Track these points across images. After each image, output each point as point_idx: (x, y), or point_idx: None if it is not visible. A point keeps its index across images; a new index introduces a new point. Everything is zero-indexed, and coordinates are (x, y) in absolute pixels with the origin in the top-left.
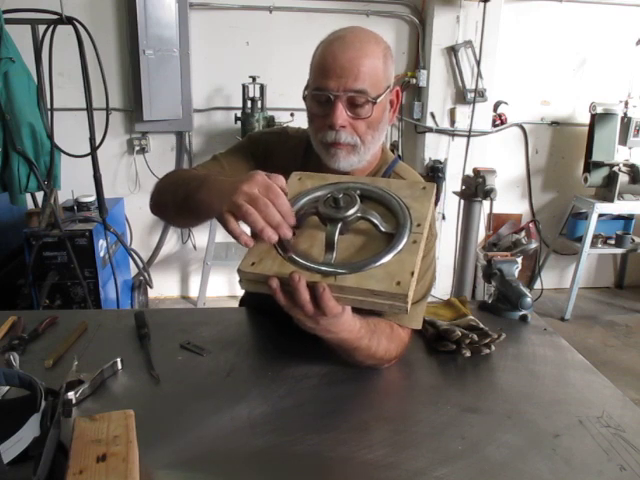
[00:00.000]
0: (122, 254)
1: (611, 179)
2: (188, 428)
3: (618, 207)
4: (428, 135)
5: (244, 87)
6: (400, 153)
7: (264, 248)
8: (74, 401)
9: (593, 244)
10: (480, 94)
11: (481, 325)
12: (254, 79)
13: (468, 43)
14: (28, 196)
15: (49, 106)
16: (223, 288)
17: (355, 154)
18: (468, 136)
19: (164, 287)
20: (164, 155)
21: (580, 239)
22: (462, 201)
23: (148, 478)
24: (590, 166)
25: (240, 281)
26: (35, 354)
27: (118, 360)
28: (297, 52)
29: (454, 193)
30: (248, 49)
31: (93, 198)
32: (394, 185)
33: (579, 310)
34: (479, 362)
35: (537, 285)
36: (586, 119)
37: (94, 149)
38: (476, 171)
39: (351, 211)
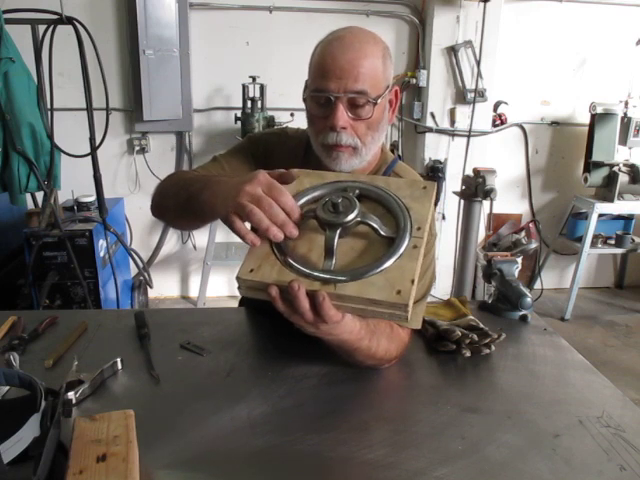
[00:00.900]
0: (122, 254)
1: (611, 179)
2: (188, 428)
3: (618, 207)
4: (428, 135)
5: (244, 87)
6: (400, 153)
7: (262, 253)
8: (74, 401)
9: (593, 244)
10: (480, 94)
11: (481, 325)
12: (254, 79)
13: (468, 43)
14: (28, 196)
15: (49, 106)
16: (223, 288)
17: (356, 156)
18: (468, 136)
19: (164, 287)
20: (164, 155)
21: (580, 239)
22: (462, 201)
23: (148, 478)
24: (590, 166)
25: (239, 288)
26: (35, 354)
27: (118, 360)
28: (297, 52)
29: (454, 193)
30: (248, 49)
31: (93, 198)
32: (393, 184)
33: (579, 310)
34: (479, 362)
35: (537, 285)
36: (586, 119)
37: (94, 149)
38: (476, 171)
39: (350, 216)
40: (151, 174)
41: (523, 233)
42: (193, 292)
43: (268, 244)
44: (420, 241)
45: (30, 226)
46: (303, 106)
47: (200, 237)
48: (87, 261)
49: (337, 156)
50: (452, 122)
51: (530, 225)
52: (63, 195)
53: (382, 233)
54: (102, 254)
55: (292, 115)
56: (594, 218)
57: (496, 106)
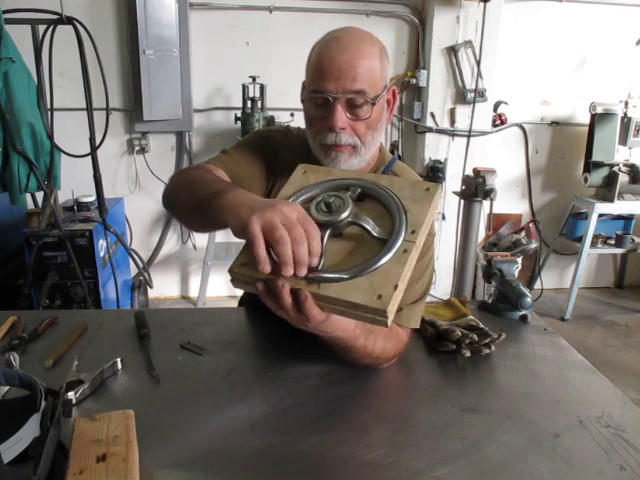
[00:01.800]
0: (122, 254)
1: (611, 179)
2: (188, 428)
3: (618, 207)
4: (428, 135)
5: (244, 87)
6: (400, 153)
7: None
8: (74, 401)
9: (593, 244)
10: (480, 94)
11: (481, 325)
12: (254, 79)
13: (468, 43)
14: (28, 196)
15: (49, 106)
16: (223, 288)
17: (356, 156)
18: (468, 136)
19: (164, 287)
20: (164, 155)
21: (580, 239)
22: (462, 201)
23: (148, 478)
24: (590, 166)
25: (232, 280)
26: (35, 354)
27: (118, 360)
28: (297, 52)
29: (454, 193)
30: (248, 49)
31: (93, 198)
32: (397, 184)
33: (579, 310)
34: (479, 362)
35: (537, 285)
36: (586, 119)
37: (94, 149)
38: (476, 171)
39: (342, 216)
40: (151, 174)
41: (523, 233)
42: (193, 292)
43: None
44: (411, 245)
45: (30, 226)
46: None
47: (200, 237)
48: (87, 261)
49: (336, 156)
50: (452, 122)
51: (530, 225)
52: (63, 195)
53: (374, 234)
54: (102, 254)
55: (292, 115)
56: (594, 218)
57: (496, 106)
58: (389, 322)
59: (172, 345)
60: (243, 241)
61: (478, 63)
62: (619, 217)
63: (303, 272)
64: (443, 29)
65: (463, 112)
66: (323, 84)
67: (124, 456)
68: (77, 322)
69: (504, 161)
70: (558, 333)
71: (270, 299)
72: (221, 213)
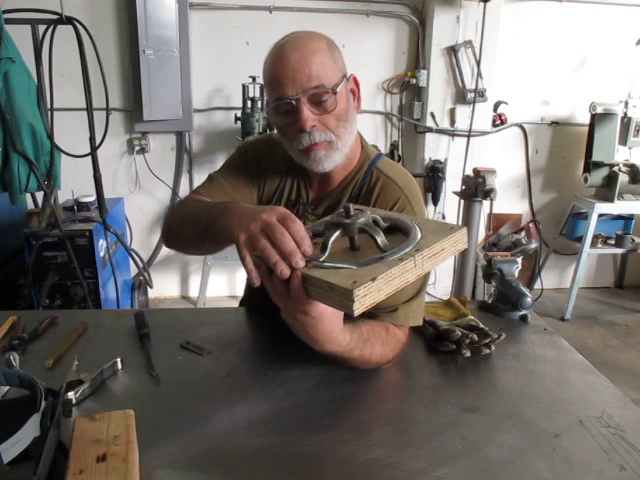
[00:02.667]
0: (122, 254)
1: (611, 179)
2: (188, 428)
3: (618, 207)
4: (428, 135)
5: (244, 87)
6: (400, 153)
7: None
8: (74, 401)
9: (593, 244)
10: (480, 94)
11: (481, 325)
12: (254, 79)
13: (468, 43)
14: (28, 196)
15: (49, 106)
16: (223, 288)
17: (334, 150)
18: (468, 136)
19: (164, 287)
20: (164, 155)
21: (580, 239)
22: (462, 201)
23: (148, 478)
24: (590, 166)
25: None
26: (35, 354)
27: (118, 360)
28: None
29: (454, 193)
30: (248, 49)
31: (93, 198)
32: (425, 222)
33: (579, 310)
34: (479, 362)
35: (537, 285)
36: (586, 119)
37: (94, 149)
38: (476, 171)
39: (354, 220)
40: (151, 174)
41: (523, 233)
42: (193, 292)
43: None
44: (409, 257)
45: (30, 226)
46: None
47: None
48: (87, 261)
49: (315, 155)
50: (452, 122)
51: (530, 225)
52: (63, 195)
53: (379, 244)
54: (102, 254)
55: None
56: (594, 218)
57: (496, 106)
58: (355, 308)
59: (172, 345)
60: None
61: (478, 63)
62: (619, 217)
63: (296, 259)
64: (443, 29)
65: (463, 112)
66: (282, 90)
67: (124, 456)
68: (77, 322)
69: (504, 161)
70: (558, 333)
71: (269, 279)
72: (223, 234)
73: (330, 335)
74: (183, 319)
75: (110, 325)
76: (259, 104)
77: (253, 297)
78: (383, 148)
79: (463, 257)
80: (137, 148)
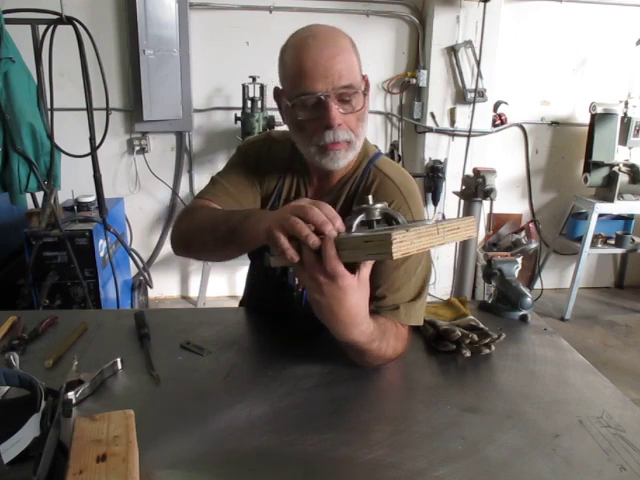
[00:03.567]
0: (122, 254)
1: (611, 179)
2: (188, 428)
3: (618, 207)
4: (428, 135)
5: (244, 87)
6: (400, 153)
7: None
8: (74, 401)
9: (593, 244)
10: (480, 94)
11: (481, 325)
12: (254, 79)
13: (468, 43)
14: (28, 196)
15: (49, 106)
16: (223, 288)
17: (351, 150)
18: (468, 136)
19: (164, 287)
20: (164, 155)
21: (580, 239)
22: (462, 201)
23: (148, 478)
24: (590, 166)
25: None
26: (35, 354)
27: (118, 360)
28: None
29: (454, 193)
30: (248, 49)
31: (93, 198)
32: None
33: (579, 310)
34: (479, 362)
35: (537, 285)
36: (586, 119)
37: (94, 149)
38: (476, 171)
39: (375, 205)
40: (151, 174)
41: (523, 233)
42: (193, 292)
43: None
44: (433, 225)
45: (30, 226)
46: None
47: None
48: (87, 261)
49: (334, 154)
50: (452, 122)
51: (530, 225)
52: (63, 195)
53: (400, 223)
54: (102, 254)
55: None
56: (594, 218)
57: (496, 106)
58: (394, 250)
59: (172, 345)
60: None
61: (478, 63)
62: (619, 217)
63: (329, 228)
64: (443, 29)
65: (463, 112)
66: (311, 85)
67: (124, 456)
68: (77, 322)
69: (504, 161)
70: (558, 333)
71: (297, 252)
72: (249, 236)
73: (355, 318)
74: (183, 319)
75: (110, 325)
76: (259, 104)
77: (253, 297)
78: (383, 148)
79: (463, 257)
80: (137, 148)
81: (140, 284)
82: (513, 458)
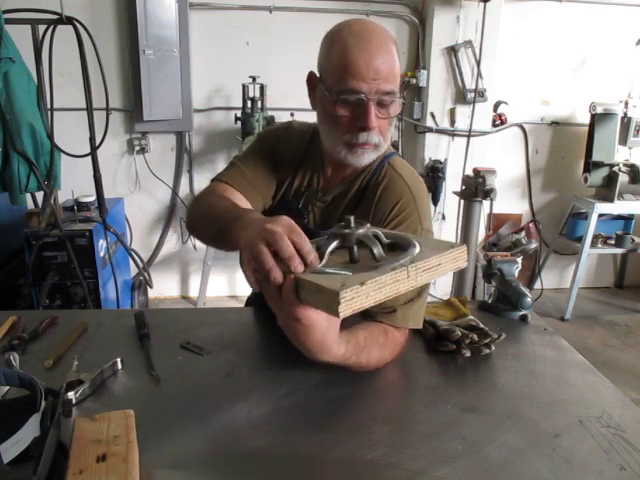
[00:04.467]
0: (122, 254)
1: (611, 179)
2: (188, 428)
3: (618, 207)
4: (428, 135)
5: (244, 87)
6: (400, 153)
7: None
8: (74, 401)
9: (593, 244)
10: (480, 94)
11: (481, 325)
12: (254, 79)
13: (468, 43)
14: (28, 196)
15: (49, 106)
16: (223, 288)
17: (376, 151)
18: (468, 136)
19: (164, 287)
20: (164, 155)
21: (580, 239)
22: (462, 201)
23: (148, 478)
24: (590, 166)
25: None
26: (35, 354)
27: (118, 360)
28: (297, 52)
29: (454, 193)
30: (248, 49)
31: (93, 198)
32: (424, 239)
33: (579, 310)
34: (479, 362)
35: (537, 285)
36: (586, 119)
37: (94, 149)
38: (476, 171)
39: (353, 231)
40: (151, 174)
41: (523, 233)
42: (193, 292)
43: None
44: (402, 268)
45: (30, 226)
46: (303, 106)
47: None
48: (87, 261)
49: (362, 153)
50: (452, 122)
51: (530, 225)
52: (63, 195)
53: (375, 254)
54: (102, 254)
55: (292, 115)
56: (594, 218)
57: (496, 106)
58: (340, 310)
59: (172, 345)
60: None
61: (478, 63)
62: (619, 217)
63: (298, 265)
64: (443, 29)
65: (463, 112)
66: (356, 83)
67: (124, 456)
68: (77, 322)
69: (504, 161)
70: (558, 333)
71: (264, 285)
72: (233, 242)
73: (323, 346)
74: (183, 319)
75: (110, 325)
76: (259, 104)
77: (259, 296)
78: None
79: None
80: (137, 148)
81: (140, 284)
82: (513, 458)
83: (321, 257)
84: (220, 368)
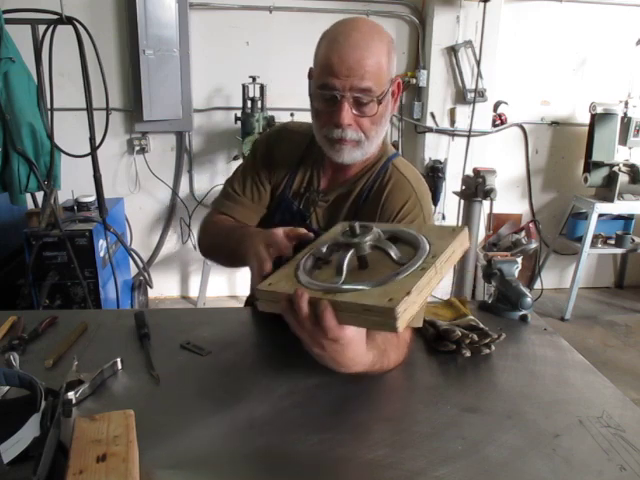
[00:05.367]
0: (122, 254)
1: (611, 179)
2: (188, 428)
3: (618, 207)
4: (428, 135)
5: (244, 87)
6: (400, 153)
7: (285, 274)
8: (74, 401)
9: (593, 244)
10: (480, 94)
11: (481, 325)
12: (254, 79)
13: (468, 43)
14: (28, 196)
15: (49, 106)
16: (223, 288)
17: (359, 149)
18: (468, 136)
19: (164, 287)
20: (164, 155)
21: (580, 239)
22: (462, 201)
23: (148, 478)
24: (590, 166)
25: (258, 300)
26: (35, 354)
27: (118, 360)
28: (297, 52)
29: (454, 193)
30: (248, 49)
31: (93, 198)
32: (425, 228)
33: (579, 310)
34: (479, 362)
35: (537, 285)
36: (586, 119)
37: (94, 149)
38: (476, 171)
39: (364, 238)
40: (151, 174)
41: (523, 233)
42: (193, 292)
43: (293, 268)
44: (430, 264)
45: (30, 226)
46: (303, 106)
47: None
48: (87, 261)
49: (341, 149)
50: (452, 122)
51: (530, 225)
52: (63, 195)
53: (394, 258)
54: (102, 254)
55: (292, 115)
56: (594, 218)
57: (496, 106)
58: (399, 325)
59: (172, 345)
60: None
61: (478, 63)
62: (619, 217)
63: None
64: (443, 29)
65: (463, 112)
66: (331, 81)
67: (124, 456)
68: (77, 322)
69: (504, 161)
70: (558, 333)
71: (291, 314)
72: (242, 259)
73: (356, 359)
74: (183, 319)
75: (110, 325)
76: (259, 104)
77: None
78: None
79: (463, 257)
80: (137, 148)
81: (140, 284)
82: (513, 458)
83: (339, 272)
84: (220, 368)
